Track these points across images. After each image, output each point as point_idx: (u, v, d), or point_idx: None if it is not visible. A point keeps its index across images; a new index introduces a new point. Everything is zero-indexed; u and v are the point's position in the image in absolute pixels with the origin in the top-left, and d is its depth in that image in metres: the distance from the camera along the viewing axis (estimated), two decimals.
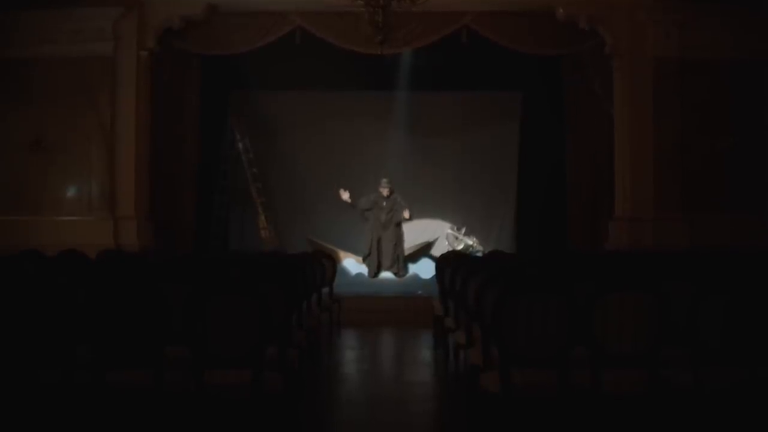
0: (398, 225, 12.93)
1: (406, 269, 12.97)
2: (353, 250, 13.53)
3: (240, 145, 14.08)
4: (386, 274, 12.74)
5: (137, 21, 11.10)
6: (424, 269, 12.75)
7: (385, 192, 12.86)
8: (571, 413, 4.38)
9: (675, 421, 4.48)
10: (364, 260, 12.92)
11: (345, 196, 12.92)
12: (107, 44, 11.02)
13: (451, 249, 12.77)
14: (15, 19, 10.84)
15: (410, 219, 12.95)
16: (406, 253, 13.20)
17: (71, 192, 11.12)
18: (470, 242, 13.45)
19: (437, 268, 8.45)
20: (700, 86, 10.96)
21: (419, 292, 10.86)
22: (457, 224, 13.85)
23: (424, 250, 13.71)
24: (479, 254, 12.43)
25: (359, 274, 12.90)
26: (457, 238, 13.59)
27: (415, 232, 13.81)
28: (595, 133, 12.54)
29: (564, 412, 4.39)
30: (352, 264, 13.30)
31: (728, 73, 10.96)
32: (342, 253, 13.36)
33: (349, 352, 8.72)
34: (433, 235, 14.10)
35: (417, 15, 10.91)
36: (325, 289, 8.50)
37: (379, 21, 8.54)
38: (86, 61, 10.98)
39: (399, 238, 12.95)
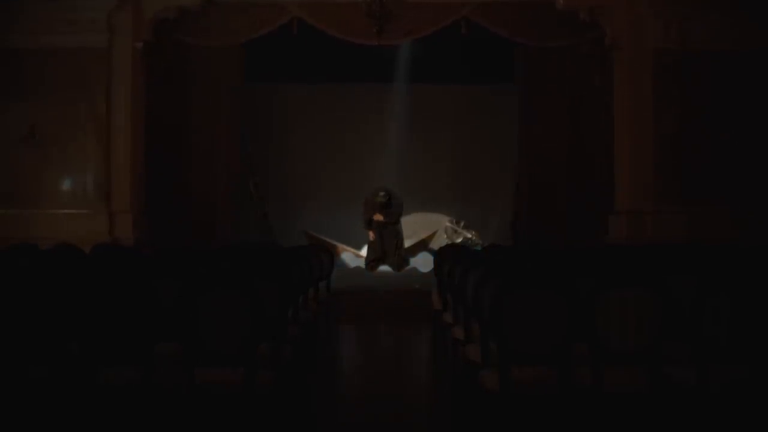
0: (397, 222, 12.84)
1: (406, 262, 12.89)
2: (351, 244, 13.45)
3: None
4: (384, 268, 12.66)
5: (132, 12, 10.98)
6: (423, 263, 12.66)
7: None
8: (571, 411, 4.31)
9: (678, 419, 4.41)
10: (368, 267, 12.78)
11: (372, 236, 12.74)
12: (102, 35, 10.88)
13: (449, 242, 12.69)
14: (8, 10, 10.71)
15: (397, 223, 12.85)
16: (406, 246, 13.12)
17: (66, 185, 11.00)
18: (469, 235, 13.38)
19: (436, 262, 8.36)
20: (701, 78, 10.86)
21: (417, 286, 10.77)
22: (456, 217, 13.77)
23: (422, 245, 13.62)
24: (478, 247, 12.35)
25: (357, 268, 12.81)
26: (456, 231, 13.52)
27: (414, 225, 13.73)
28: (592, 125, 12.48)
29: (564, 409, 4.32)
30: (350, 258, 13.21)
31: (729, 65, 10.85)
32: (340, 247, 13.28)
33: (346, 347, 8.66)
34: (432, 228, 14.03)
35: (415, 6, 10.86)
36: (323, 283, 8.42)
37: (377, 11, 8.47)
38: (81, 53, 10.84)
39: (399, 234, 12.86)
